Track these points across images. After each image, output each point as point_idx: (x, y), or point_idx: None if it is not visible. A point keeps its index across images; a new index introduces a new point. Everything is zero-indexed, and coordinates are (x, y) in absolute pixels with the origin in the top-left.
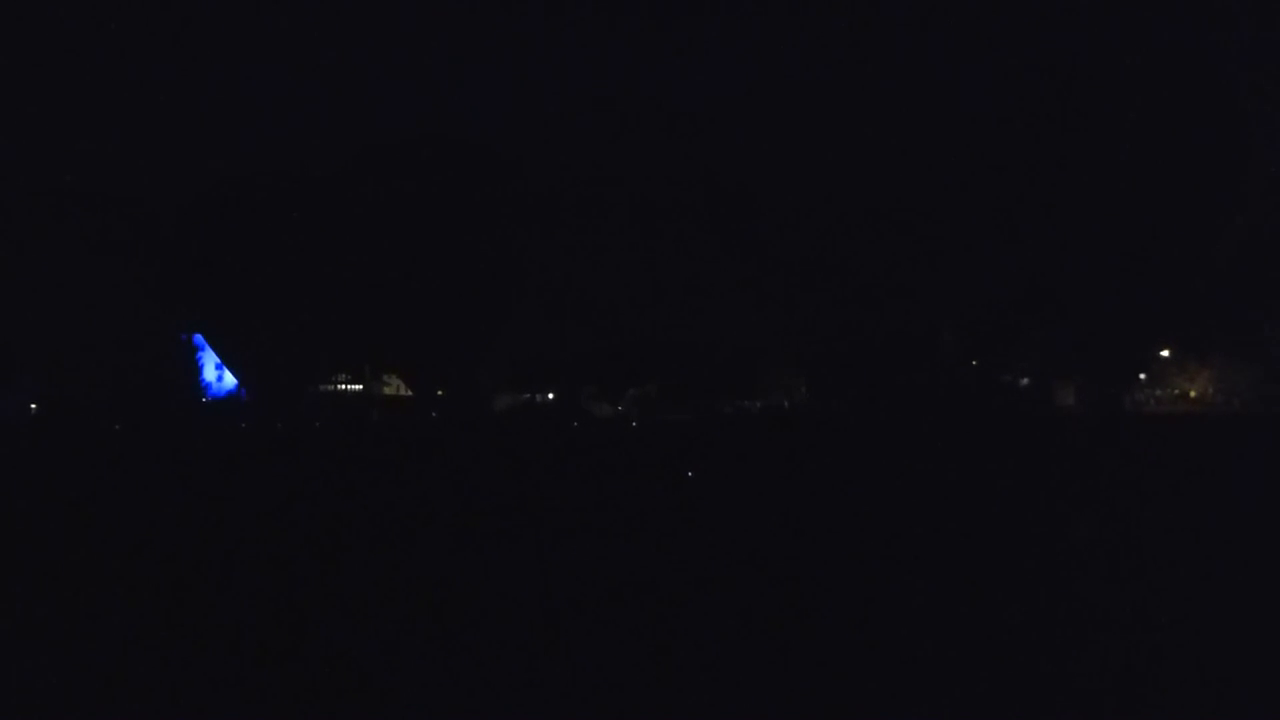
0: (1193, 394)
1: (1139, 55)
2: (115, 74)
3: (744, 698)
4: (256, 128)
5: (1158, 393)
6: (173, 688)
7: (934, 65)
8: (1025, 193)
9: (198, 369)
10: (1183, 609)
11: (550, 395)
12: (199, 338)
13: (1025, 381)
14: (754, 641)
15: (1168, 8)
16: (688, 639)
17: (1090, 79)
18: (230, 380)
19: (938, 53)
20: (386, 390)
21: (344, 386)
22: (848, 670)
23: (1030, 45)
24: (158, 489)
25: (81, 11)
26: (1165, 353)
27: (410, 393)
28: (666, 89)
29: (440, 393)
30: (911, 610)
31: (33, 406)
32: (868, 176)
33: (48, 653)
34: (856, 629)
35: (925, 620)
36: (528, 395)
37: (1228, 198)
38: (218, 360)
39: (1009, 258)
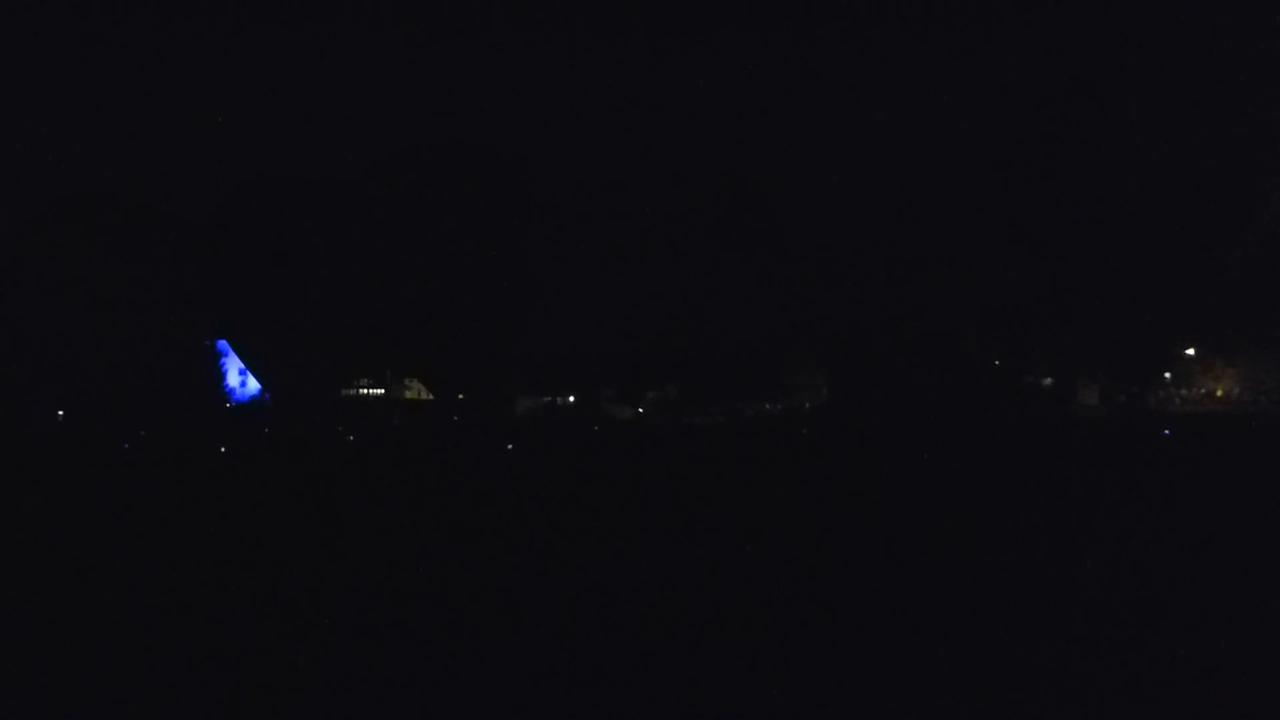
0: (1219, 393)
1: (1159, 50)
2: (138, 81)
3: (774, 698)
4: (277, 134)
5: (1183, 392)
6: (203, 691)
7: (957, 65)
8: (1047, 191)
9: (221, 375)
10: (1217, 610)
11: (571, 398)
12: (223, 343)
13: (1048, 382)
14: (783, 644)
15: (1185, 6)
16: (715, 643)
17: (1111, 75)
18: (254, 385)
19: (960, 52)
20: (408, 394)
21: (366, 391)
22: (882, 673)
23: (1050, 43)
24: (185, 493)
25: (107, 18)
26: (1190, 351)
27: (431, 396)
28: (684, 87)
29: (461, 396)
30: (941, 613)
31: (59, 414)
32: (887, 176)
33: (83, 657)
34: (887, 630)
35: (955, 622)
36: (548, 398)
37: (1250, 193)
38: (241, 366)
39: (1031, 257)
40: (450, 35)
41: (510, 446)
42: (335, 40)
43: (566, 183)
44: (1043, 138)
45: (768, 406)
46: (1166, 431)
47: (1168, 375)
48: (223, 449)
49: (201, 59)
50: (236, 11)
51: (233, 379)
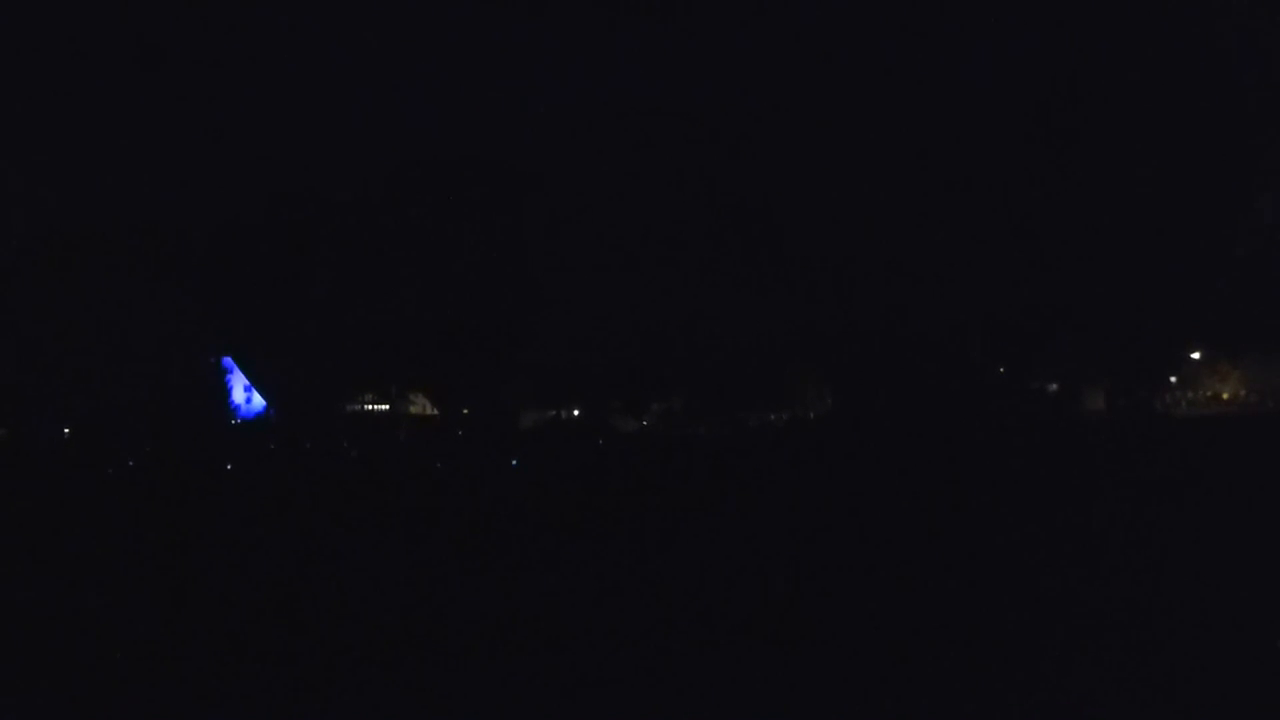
0: (1225, 395)
1: (1162, 53)
2: (138, 98)
3: (783, 705)
4: (279, 151)
5: (1189, 395)
6: (209, 700)
7: (959, 69)
8: (1049, 196)
9: (227, 391)
10: (1228, 612)
11: (575, 412)
12: (228, 360)
13: (1054, 387)
14: (792, 653)
15: (1185, 8)
16: (725, 653)
17: (1113, 81)
18: (259, 402)
19: (963, 56)
20: (413, 409)
21: (371, 406)
22: (893, 679)
23: (1054, 48)
24: (191, 509)
25: (111, 36)
26: (1195, 355)
27: (436, 412)
28: (682, 93)
29: (466, 411)
30: (954, 620)
31: (65, 431)
32: (890, 183)
33: (89, 669)
34: (898, 635)
35: (967, 628)
36: (553, 412)
37: (1254, 195)
38: (246, 382)
39: (1034, 263)
40: (449, 46)
41: (515, 462)
42: (334, 55)
43: (568, 194)
44: (1046, 142)
45: (773, 417)
46: (1169, 435)
47: (1173, 379)
48: (229, 465)
49: (202, 76)
50: (236, 28)
51: (238, 395)
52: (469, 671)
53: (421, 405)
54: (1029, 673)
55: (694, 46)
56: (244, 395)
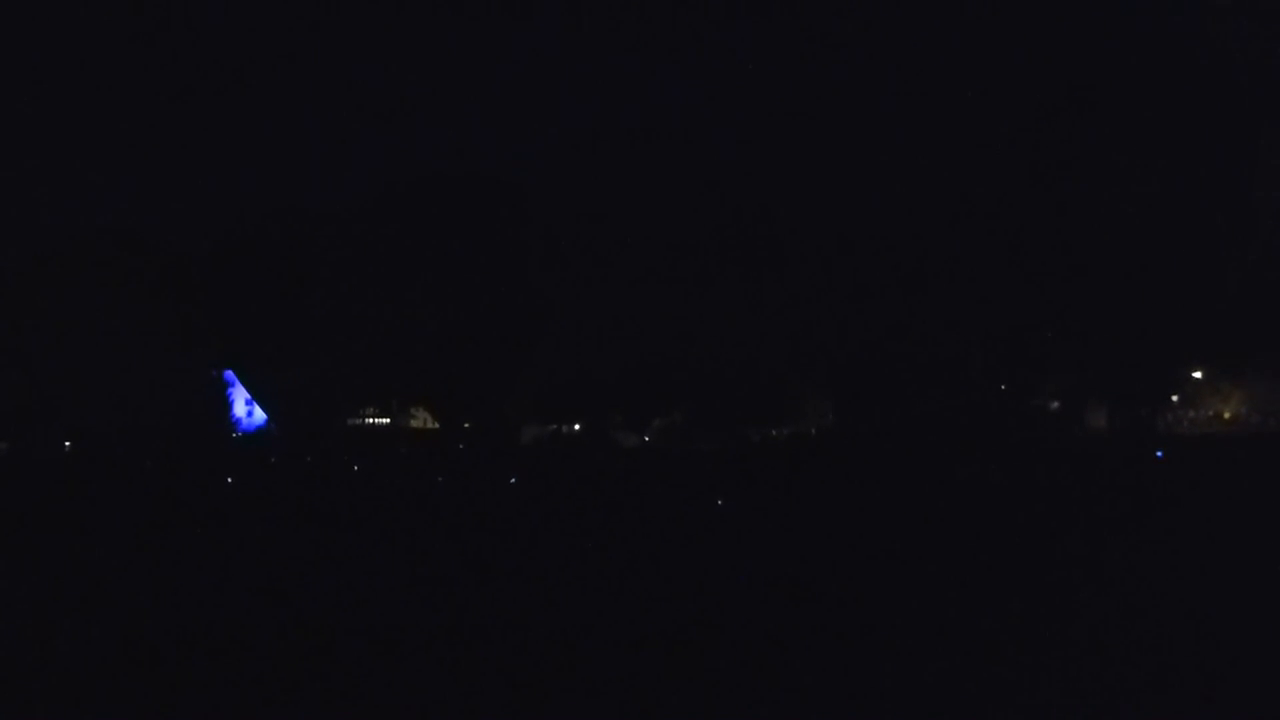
0: (1227, 414)
1: (1168, 70)
2: (142, 113)
3: None
4: (280, 165)
5: (1191, 414)
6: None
7: (961, 84)
8: (1052, 214)
9: (228, 405)
10: (1228, 635)
11: (576, 426)
12: (229, 374)
13: (1055, 405)
14: (792, 673)
15: (1193, 18)
16: (724, 676)
17: (1119, 96)
18: (260, 415)
19: (965, 72)
20: (414, 423)
21: (372, 420)
22: (894, 699)
23: (1057, 62)
24: (193, 522)
25: (110, 50)
26: (1197, 374)
27: (437, 425)
28: (683, 108)
29: (467, 425)
30: (954, 636)
31: (66, 445)
32: (892, 198)
33: (88, 686)
34: (896, 656)
35: (968, 645)
36: (554, 427)
37: (1256, 214)
38: (248, 396)
39: (1035, 280)
40: (452, 62)
41: (513, 480)
42: (338, 71)
43: (570, 209)
44: (1049, 158)
45: (774, 433)
46: (1159, 454)
47: (1175, 398)
48: (230, 478)
49: (202, 92)
50: (241, 43)
51: (239, 409)
52: (468, 684)
53: (423, 419)
54: (1028, 691)
55: (695, 62)
56: (245, 409)
